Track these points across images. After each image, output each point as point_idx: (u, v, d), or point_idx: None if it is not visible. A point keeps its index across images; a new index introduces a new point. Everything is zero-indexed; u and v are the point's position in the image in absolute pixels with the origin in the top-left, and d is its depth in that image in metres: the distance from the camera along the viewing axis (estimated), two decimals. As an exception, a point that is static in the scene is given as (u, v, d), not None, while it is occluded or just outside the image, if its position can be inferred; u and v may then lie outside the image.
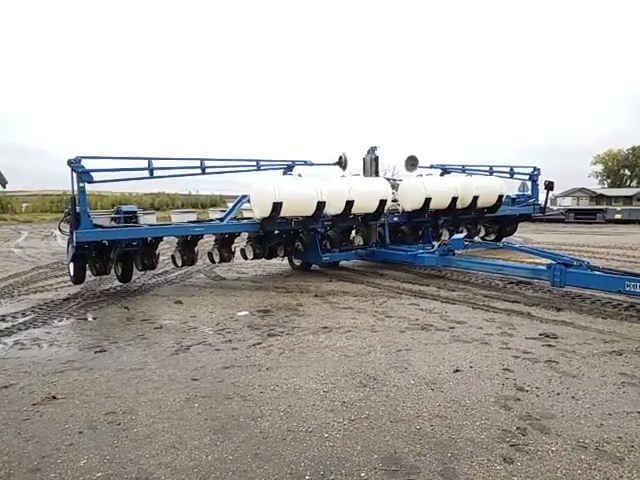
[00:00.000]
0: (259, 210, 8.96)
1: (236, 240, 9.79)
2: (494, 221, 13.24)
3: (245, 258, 9.78)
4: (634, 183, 75.48)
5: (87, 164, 7.65)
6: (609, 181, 78.54)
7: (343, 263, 10.88)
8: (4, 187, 8.85)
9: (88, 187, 7.70)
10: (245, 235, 9.93)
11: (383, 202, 9.81)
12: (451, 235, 11.92)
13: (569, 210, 28.88)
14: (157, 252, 8.96)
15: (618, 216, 26.10)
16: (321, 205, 9.02)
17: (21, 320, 6.42)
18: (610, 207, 30.81)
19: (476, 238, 13.04)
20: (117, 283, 9.14)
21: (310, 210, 9.05)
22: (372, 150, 10.96)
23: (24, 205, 56.02)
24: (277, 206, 8.59)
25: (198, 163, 8.95)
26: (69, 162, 7.45)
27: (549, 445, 2.96)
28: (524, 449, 2.92)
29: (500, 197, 11.97)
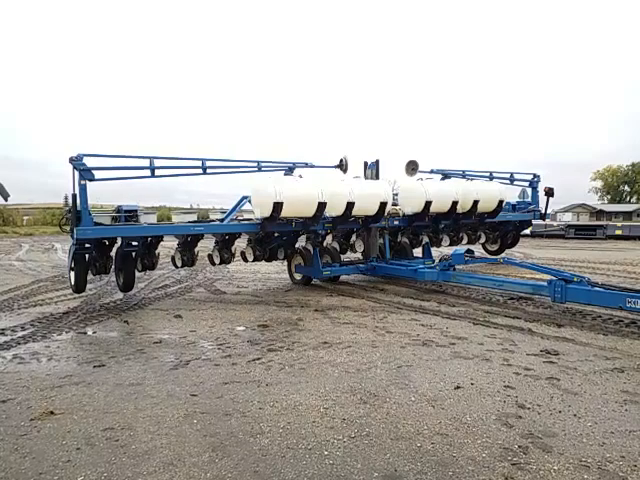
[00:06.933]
0: (260, 210, 8.96)
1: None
2: (495, 227, 13.25)
3: (245, 260, 9.79)
4: (634, 199, 75.73)
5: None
6: (609, 197, 78.87)
7: (344, 277, 10.87)
8: (6, 200, 8.89)
9: (91, 200, 7.74)
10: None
11: (384, 204, 9.80)
12: (452, 241, 11.98)
13: (569, 226, 28.88)
14: (157, 252, 8.98)
15: (618, 232, 26.10)
16: (322, 206, 9.01)
17: (20, 334, 6.39)
18: (610, 223, 30.86)
19: (477, 244, 13.06)
20: (117, 297, 9.13)
21: (311, 211, 9.04)
22: (373, 165, 11.04)
23: (25, 218, 56.22)
24: (278, 206, 8.57)
25: (199, 163, 8.95)
26: (71, 159, 7.49)
27: (551, 464, 2.93)
28: (526, 468, 2.89)
29: (500, 202, 11.96)
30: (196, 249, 9.29)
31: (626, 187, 78.69)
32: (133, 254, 8.76)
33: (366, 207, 9.73)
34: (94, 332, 6.58)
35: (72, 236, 7.70)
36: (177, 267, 9.34)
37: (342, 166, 10.45)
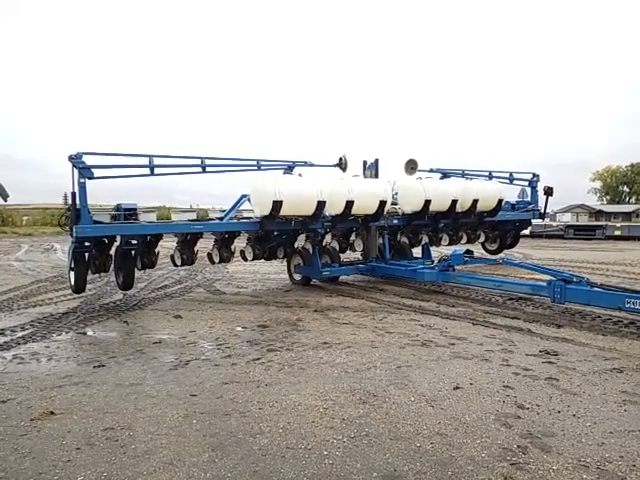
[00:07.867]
0: (259, 209, 8.97)
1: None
2: (494, 227, 13.27)
3: (245, 259, 9.81)
4: (633, 200, 75.85)
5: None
6: (608, 197, 78.97)
7: (343, 278, 10.87)
8: (5, 200, 8.90)
9: (90, 201, 7.74)
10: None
11: (383, 203, 9.79)
12: (451, 240, 11.99)
13: (568, 226, 28.91)
14: (157, 251, 8.99)
15: (618, 232, 26.13)
16: (321, 205, 9.01)
17: (20, 334, 6.39)
18: (610, 223, 30.86)
19: (476, 244, 13.07)
20: (116, 297, 9.13)
21: (310, 209, 9.04)
22: (372, 164, 11.05)
23: (25, 218, 56.21)
24: (277, 205, 8.58)
25: (199, 162, 8.93)
26: (70, 158, 7.51)
27: (550, 464, 2.93)
28: (525, 468, 2.90)
29: (500, 201, 11.97)
30: (195, 248, 9.29)
31: (625, 188, 78.79)
32: (133, 252, 8.77)
33: (365, 206, 9.74)
34: (94, 332, 6.58)
35: (71, 234, 7.70)
36: (176, 266, 9.35)
37: (341, 165, 10.46)
